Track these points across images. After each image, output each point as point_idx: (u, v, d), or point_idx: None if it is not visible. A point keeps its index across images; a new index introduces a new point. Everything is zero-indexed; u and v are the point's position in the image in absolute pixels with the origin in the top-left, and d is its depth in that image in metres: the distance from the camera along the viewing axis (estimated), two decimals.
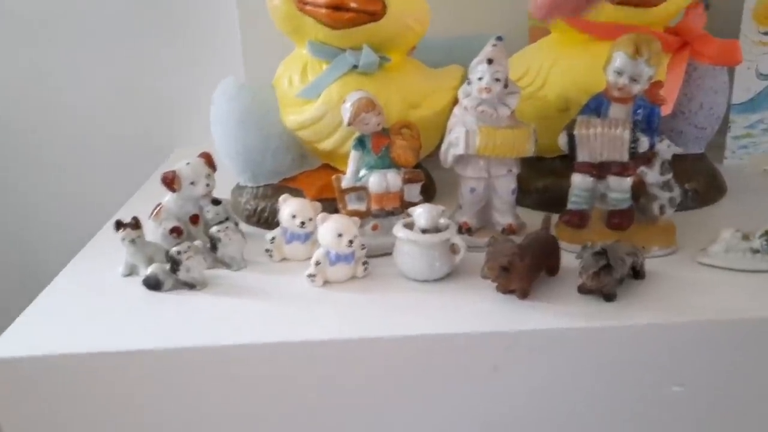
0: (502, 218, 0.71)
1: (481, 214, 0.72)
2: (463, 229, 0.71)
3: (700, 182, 0.80)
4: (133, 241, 0.67)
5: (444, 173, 0.84)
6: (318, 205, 0.70)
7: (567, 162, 0.79)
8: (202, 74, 1.00)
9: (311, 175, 0.81)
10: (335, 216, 0.65)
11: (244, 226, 0.79)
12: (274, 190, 0.80)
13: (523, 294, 0.61)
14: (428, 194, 0.85)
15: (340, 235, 0.63)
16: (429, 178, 0.87)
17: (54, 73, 1.06)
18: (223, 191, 0.82)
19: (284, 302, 0.63)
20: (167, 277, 0.65)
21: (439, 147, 0.82)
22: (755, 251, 0.63)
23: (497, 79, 0.65)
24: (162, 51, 1.04)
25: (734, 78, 0.87)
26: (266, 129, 0.77)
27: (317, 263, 0.64)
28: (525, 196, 0.81)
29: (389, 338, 0.58)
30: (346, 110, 0.68)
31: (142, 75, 1.06)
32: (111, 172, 1.08)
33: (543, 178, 0.80)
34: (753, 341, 0.58)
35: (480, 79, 0.66)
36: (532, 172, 0.82)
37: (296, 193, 0.78)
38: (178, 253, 0.64)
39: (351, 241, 0.63)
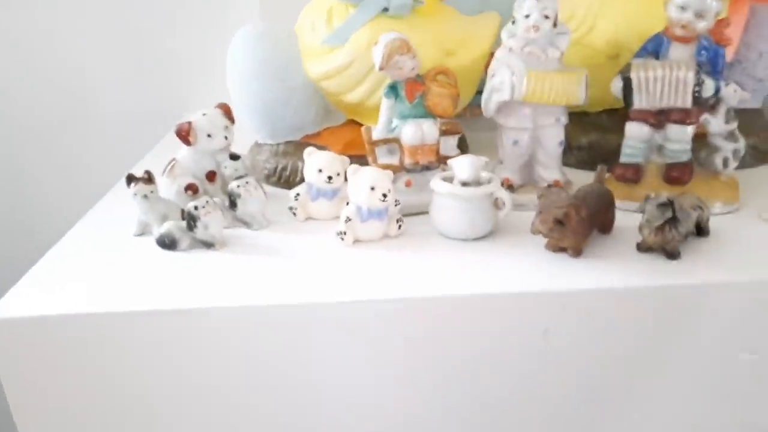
0: (548, 174, 0.65)
1: (524, 170, 0.66)
2: (505, 187, 0.65)
3: (759, 138, 0.73)
4: (145, 197, 0.62)
5: (475, 134, 0.78)
6: (346, 159, 0.64)
7: (614, 116, 0.74)
8: (213, 27, 0.93)
9: (335, 131, 0.75)
10: (367, 168, 0.59)
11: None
12: (296, 147, 0.74)
13: (577, 252, 0.55)
14: (461, 150, 0.79)
15: (372, 189, 0.58)
16: (461, 137, 0.81)
17: (55, 32, 1.00)
18: (239, 151, 0.77)
19: (311, 262, 0.58)
20: (183, 235, 0.60)
21: (470, 104, 0.76)
22: None
23: (546, 17, 0.59)
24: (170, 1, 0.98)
25: None
26: (287, 80, 0.71)
27: (348, 219, 0.58)
28: (567, 154, 0.74)
29: (429, 298, 0.52)
30: (378, 52, 0.62)
31: (147, 29, 1.00)
32: (117, 137, 1.03)
33: (587, 134, 0.74)
34: None
35: (527, 16, 0.59)
36: (575, 128, 0.75)
37: (320, 150, 0.72)
38: (196, 208, 0.59)
39: (385, 195, 0.58)
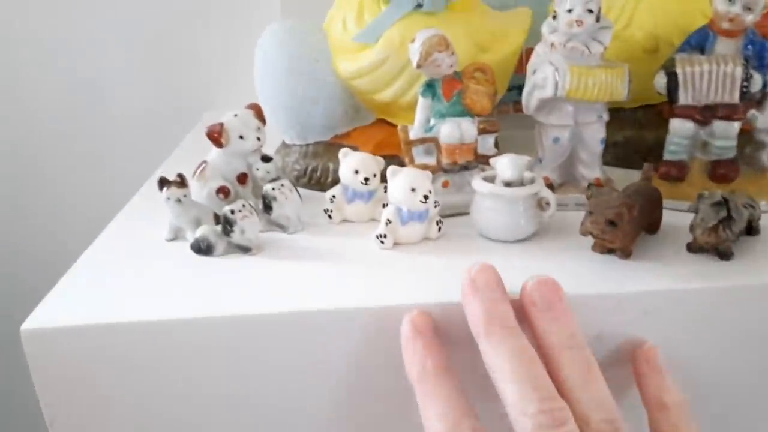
0: (589, 172, 0.63)
1: (563, 168, 0.64)
2: (545, 185, 0.63)
3: None
4: (179, 201, 0.60)
5: (505, 133, 0.77)
6: (381, 160, 0.63)
7: (650, 112, 0.72)
8: (233, 26, 0.92)
9: (365, 131, 0.73)
10: (406, 169, 0.58)
11: None
12: (326, 148, 0.72)
13: (627, 253, 0.54)
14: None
15: (413, 190, 0.56)
16: None
17: (75, 32, 0.98)
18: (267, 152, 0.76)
19: (352, 266, 0.56)
20: (219, 239, 0.58)
21: (501, 101, 0.75)
22: None
23: (590, 11, 0.57)
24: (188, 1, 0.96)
25: None
26: (317, 78, 0.69)
27: (388, 222, 0.57)
28: (603, 151, 0.73)
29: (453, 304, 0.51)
30: (416, 50, 0.60)
31: (166, 29, 0.98)
32: (139, 138, 1.01)
33: (624, 130, 0.72)
34: None
35: (569, 11, 0.57)
36: (610, 124, 0.73)
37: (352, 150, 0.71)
38: (232, 212, 0.57)
39: (426, 197, 0.56)
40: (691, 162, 0.61)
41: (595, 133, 0.62)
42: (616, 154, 0.72)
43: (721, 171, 0.60)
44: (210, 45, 0.98)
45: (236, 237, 0.58)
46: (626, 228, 0.52)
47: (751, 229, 0.56)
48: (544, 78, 0.59)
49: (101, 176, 1.04)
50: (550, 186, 0.63)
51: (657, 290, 0.50)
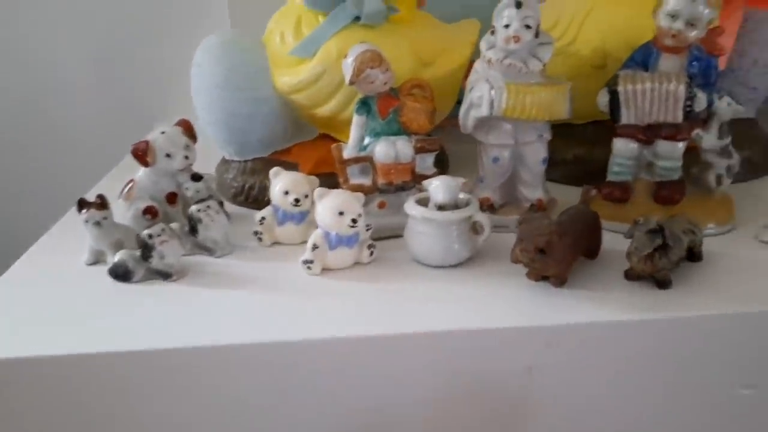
0: (530, 193, 0.61)
1: (505, 189, 0.61)
2: (485, 206, 0.61)
3: (754, 150, 0.69)
4: (98, 224, 0.57)
5: (456, 147, 0.74)
6: (315, 179, 0.60)
7: (601, 129, 0.70)
8: (181, 36, 0.89)
9: (307, 146, 0.70)
10: (335, 191, 0.55)
11: (229, 206, 0.70)
12: (265, 164, 0.69)
13: (560, 281, 0.51)
14: (441, 168, 0.75)
15: (341, 214, 0.53)
16: (441, 151, 0.77)
17: (23, 40, 0.95)
18: (206, 168, 0.73)
19: (276, 293, 0.53)
20: (138, 265, 0.55)
21: (450, 115, 0.72)
22: None
23: (527, 26, 0.55)
24: (138, 10, 0.93)
25: None
26: (254, 92, 0.67)
27: (314, 247, 0.54)
28: (552, 168, 0.70)
29: (399, 336, 0.48)
30: (348, 66, 0.57)
31: (117, 38, 0.95)
32: (85, 150, 0.98)
33: (573, 147, 0.70)
34: None
35: (507, 26, 0.55)
36: (560, 141, 0.71)
37: (290, 167, 0.68)
38: (150, 236, 0.54)
39: (354, 221, 0.53)
40: (636, 183, 0.59)
41: (537, 153, 0.59)
42: (565, 172, 0.70)
43: (665, 193, 0.57)
44: (160, 56, 0.95)
45: (155, 262, 0.55)
46: (558, 255, 0.49)
47: (693, 255, 0.54)
48: (479, 96, 0.56)
49: (43, 190, 1.00)
50: (491, 206, 0.61)
51: (588, 322, 0.48)
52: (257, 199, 0.68)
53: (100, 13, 0.94)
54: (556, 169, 0.71)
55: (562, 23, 0.67)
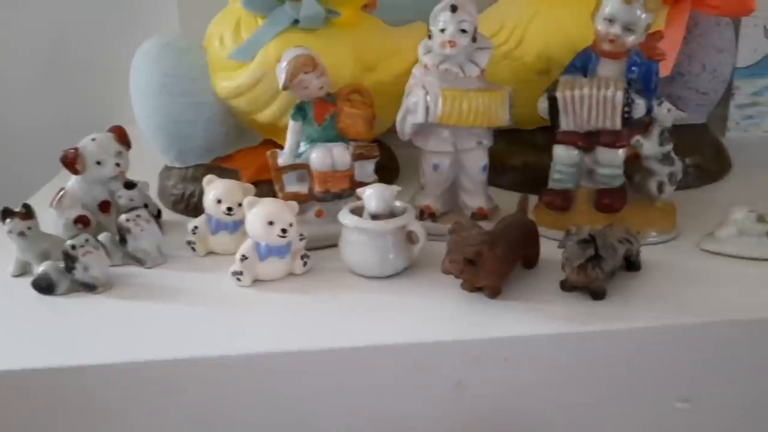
0: (472, 201, 0.59)
1: (446, 197, 0.60)
2: (426, 215, 0.59)
3: (703, 156, 0.69)
4: (22, 234, 0.55)
5: (409, 152, 0.72)
6: (250, 187, 0.58)
7: (550, 135, 0.69)
8: (129, 38, 0.87)
9: (249, 153, 0.69)
10: (266, 200, 0.53)
11: (170, 215, 0.68)
12: (206, 171, 0.66)
13: (494, 292, 0.50)
14: (390, 176, 0.73)
15: (270, 223, 0.52)
16: (390, 157, 0.75)
17: None
18: (151, 176, 0.71)
19: (205, 306, 0.52)
20: (62, 277, 0.53)
21: None
22: None
23: (463, 31, 0.53)
24: (85, 12, 0.91)
25: (739, 38, 0.76)
26: (194, 97, 0.65)
27: (243, 258, 0.52)
28: (501, 175, 0.70)
29: (327, 351, 0.46)
30: (281, 70, 0.56)
31: (62, 41, 0.93)
32: (28, 159, 0.95)
33: (521, 153, 0.69)
34: None
35: (442, 30, 0.54)
36: (508, 147, 0.70)
37: (232, 174, 0.66)
38: (73, 247, 0.52)
39: (284, 231, 0.52)
40: (578, 191, 0.58)
41: (477, 160, 0.58)
42: (513, 179, 0.69)
43: (606, 201, 0.56)
44: (108, 60, 0.92)
45: (79, 274, 0.53)
46: (490, 266, 0.48)
47: (631, 265, 0.52)
48: (415, 102, 0.55)
49: None
50: (432, 215, 0.60)
51: (519, 335, 0.46)
52: (197, 207, 0.66)
53: (47, 16, 0.92)
54: (504, 176, 0.70)
55: (506, 28, 0.65)
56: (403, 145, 0.67)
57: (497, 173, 0.69)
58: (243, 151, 0.69)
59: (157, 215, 0.64)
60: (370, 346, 0.47)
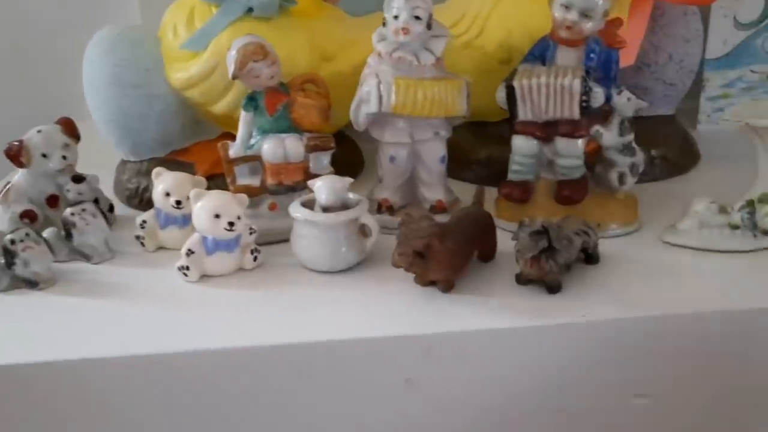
0: (430, 193, 0.58)
1: (405, 189, 0.58)
2: (384, 208, 0.58)
3: (670, 148, 0.67)
4: None
5: (374, 145, 0.71)
6: (201, 180, 0.56)
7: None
8: (93, 30, 0.85)
9: (206, 146, 0.66)
10: (212, 192, 0.51)
11: (124, 209, 0.66)
12: (161, 165, 0.65)
13: (447, 286, 0.48)
14: (355, 170, 0.72)
15: (217, 216, 0.50)
16: (355, 150, 0.73)
17: None
18: (110, 170, 0.69)
19: (151, 302, 0.50)
20: (2, 273, 0.51)
21: None
22: (734, 227, 0.52)
23: (417, 17, 0.52)
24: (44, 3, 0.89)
25: (708, 29, 0.75)
26: (147, 89, 0.63)
27: (189, 252, 0.51)
28: (465, 168, 0.68)
29: (273, 347, 0.45)
30: (231, 59, 0.54)
31: (21, 31, 0.90)
32: None
33: (486, 146, 0.67)
34: (733, 339, 0.47)
35: (396, 17, 0.52)
36: (473, 140, 0.69)
37: (188, 168, 0.65)
38: (12, 242, 0.50)
39: (232, 224, 0.50)
40: (538, 182, 0.56)
41: (434, 151, 0.56)
42: (478, 172, 0.67)
43: (565, 192, 0.54)
44: (60, 50, 0.90)
45: (19, 270, 0.51)
46: (440, 259, 0.46)
47: (590, 257, 0.51)
48: (368, 91, 0.53)
49: None
50: (390, 208, 0.58)
51: (470, 330, 0.45)
52: (152, 201, 0.64)
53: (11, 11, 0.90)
54: (469, 169, 0.68)
55: (468, 17, 0.64)
56: (369, 138, 0.65)
57: (462, 167, 0.68)
58: (200, 144, 0.67)
59: (110, 209, 0.63)
60: (318, 342, 0.45)
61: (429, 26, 0.53)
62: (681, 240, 0.53)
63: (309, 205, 0.53)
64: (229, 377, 0.46)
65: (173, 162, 0.66)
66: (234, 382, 0.46)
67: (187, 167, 0.64)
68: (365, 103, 0.54)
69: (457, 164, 0.68)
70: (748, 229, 0.51)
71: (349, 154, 0.72)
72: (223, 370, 0.45)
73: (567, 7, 0.51)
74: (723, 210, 0.52)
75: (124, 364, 0.45)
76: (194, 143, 0.67)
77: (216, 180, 0.60)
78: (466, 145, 0.68)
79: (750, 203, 0.52)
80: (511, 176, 0.56)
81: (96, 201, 0.60)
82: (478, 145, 0.68)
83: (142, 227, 0.56)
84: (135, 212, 0.67)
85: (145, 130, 0.64)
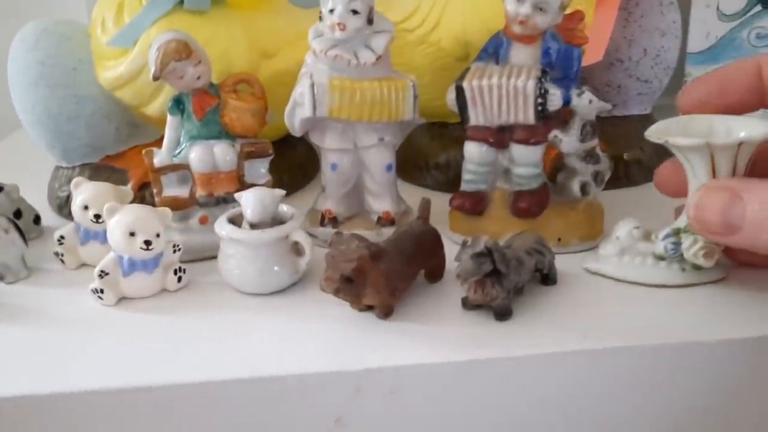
0: (377, 204, 0.53)
1: (350, 199, 0.53)
2: (327, 219, 0.53)
3: (645, 151, 0.62)
4: None
5: None
6: (127, 191, 0.52)
7: None
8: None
9: (142, 151, 0.62)
10: (129, 206, 0.46)
11: (57, 220, 0.61)
12: (94, 171, 0.60)
13: (385, 312, 0.43)
14: (309, 177, 0.67)
15: (132, 234, 0.45)
16: (309, 156, 0.68)
17: None
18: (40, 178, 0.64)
19: (63, 328, 0.45)
20: None
21: None
22: (659, 258, 0.45)
23: (355, 11, 0.47)
24: None
25: (690, 21, 0.70)
26: (76, 90, 0.58)
27: (102, 273, 0.46)
28: (424, 173, 0.63)
29: (189, 385, 0.40)
30: (152, 58, 0.49)
31: None
32: None
33: (446, 149, 0.62)
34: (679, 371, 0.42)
35: (332, 11, 0.47)
36: (432, 143, 0.64)
37: (122, 174, 0.60)
38: None
39: (148, 243, 0.45)
40: (493, 192, 0.51)
41: (380, 159, 0.51)
42: (437, 178, 0.62)
43: (522, 204, 0.49)
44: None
45: None
46: (375, 283, 0.41)
47: (545, 278, 0.46)
48: (302, 93, 0.48)
49: None
50: (334, 220, 0.53)
51: (405, 364, 0.40)
52: None
53: None
54: (427, 175, 0.63)
55: (422, 10, 0.58)
56: None
57: (420, 171, 0.63)
58: (136, 149, 0.61)
59: (35, 221, 0.58)
60: (239, 379, 0.40)
61: (370, 21, 0.48)
62: (600, 268, 0.47)
63: (238, 220, 0.48)
64: (140, 417, 0.41)
65: (107, 168, 0.61)
66: (144, 424, 0.41)
67: (121, 174, 0.60)
68: (300, 107, 0.49)
69: (414, 168, 0.63)
70: (675, 261, 0.45)
71: (302, 159, 0.67)
72: (130, 409, 0.40)
73: (519, 0, 0.46)
74: (647, 236, 0.46)
75: (15, 404, 0.40)
76: (130, 148, 0.62)
77: (150, 188, 0.55)
78: (423, 147, 0.63)
79: (675, 232, 0.45)
80: (463, 186, 0.51)
81: (18, 213, 0.56)
82: (436, 148, 0.63)
83: (60, 243, 0.51)
84: (67, 223, 0.62)
85: (74, 134, 0.59)
